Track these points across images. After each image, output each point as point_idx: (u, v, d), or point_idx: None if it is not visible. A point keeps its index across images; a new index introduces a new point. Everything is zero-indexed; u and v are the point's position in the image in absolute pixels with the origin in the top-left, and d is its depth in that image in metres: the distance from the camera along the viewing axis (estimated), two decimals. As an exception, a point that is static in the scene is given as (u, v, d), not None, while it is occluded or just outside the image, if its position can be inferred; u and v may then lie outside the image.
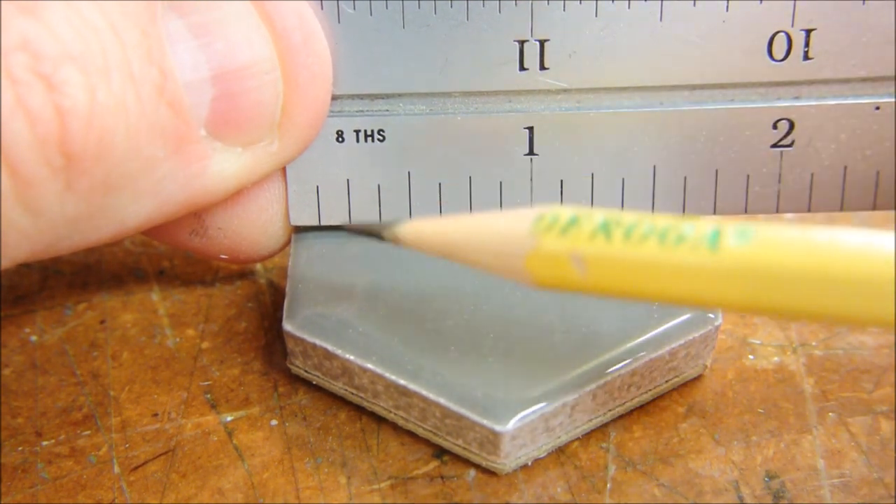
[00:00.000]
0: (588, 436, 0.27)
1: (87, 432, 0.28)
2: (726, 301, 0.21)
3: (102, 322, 0.31)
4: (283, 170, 0.28)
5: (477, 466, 0.27)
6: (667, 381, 0.28)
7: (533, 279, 0.23)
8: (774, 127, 0.28)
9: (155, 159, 0.23)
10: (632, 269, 0.22)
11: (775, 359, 0.29)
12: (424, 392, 0.26)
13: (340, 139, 0.28)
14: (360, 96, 0.28)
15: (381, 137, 0.28)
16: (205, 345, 0.30)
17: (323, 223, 0.29)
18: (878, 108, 0.28)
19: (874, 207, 0.29)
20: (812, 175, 0.28)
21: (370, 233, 0.27)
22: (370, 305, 0.28)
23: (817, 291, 0.20)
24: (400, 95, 0.28)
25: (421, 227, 0.25)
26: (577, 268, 0.22)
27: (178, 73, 0.23)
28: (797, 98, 0.28)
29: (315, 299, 0.28)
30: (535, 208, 0.23)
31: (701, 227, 0.21)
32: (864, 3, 0.26)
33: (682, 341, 0.27)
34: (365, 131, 0.28)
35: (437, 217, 0.25)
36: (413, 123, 0.28)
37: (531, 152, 0.28)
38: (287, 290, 0.29)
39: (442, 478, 0.27)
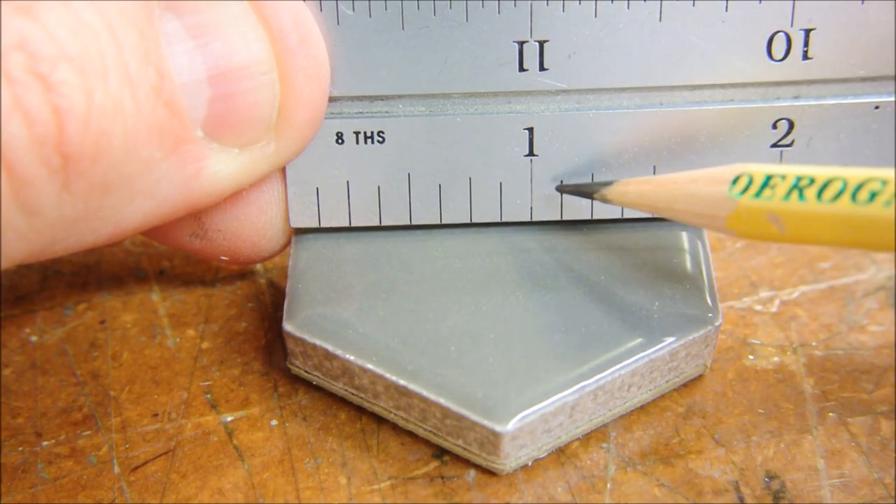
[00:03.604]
0: (588, 436, 0.27)
1: (87, 432, 0.28)
2: None
3: (102, 322, 0.31)
4: (283, 172, 0.28)
5: (477, 466, 0.27)
6: (667, 381, 0.28)
7: (735, 234, 0.25)
8: (774, 126, 0.28)
9: (152, 160, 0.23)
10: (828, 224, 0.24)
11: (775, 359, 0.29)
12: (424, 392, 0.26)
13: (340, 141, 0.28)
14: (360, 98, 0.28)
15: (380, 139, 0.28)
16: (205, 345, 0.30)
17: (323, 225, 0.29)
18: (877, 107, 0.28)
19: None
20: (812, 175, 0.28)
21: (579, 192, 0.28)
22: (370, 305, 0.28)
23: None
24: (399, 97, 0.28)
25: (628, 189, 0.27)
26: (775, 225, 0.24)
27: (175, 73, 0.23)
28: (797, 98, 0.28)
29: (315, 299, 0.28)
30: (731, 167, 0.25)
31: (892, 182, 0.23)
32: (862, 3, 0.26)
33: (682, 341, 0.27)
34: (364, 133, 0.28)
35: (642, 178, 0.27)
36: (413, 125, 0.28)
37: (531, 153, 0.28)
38: (287, 290, 0.29)
39: (442, 478, 0.27)
